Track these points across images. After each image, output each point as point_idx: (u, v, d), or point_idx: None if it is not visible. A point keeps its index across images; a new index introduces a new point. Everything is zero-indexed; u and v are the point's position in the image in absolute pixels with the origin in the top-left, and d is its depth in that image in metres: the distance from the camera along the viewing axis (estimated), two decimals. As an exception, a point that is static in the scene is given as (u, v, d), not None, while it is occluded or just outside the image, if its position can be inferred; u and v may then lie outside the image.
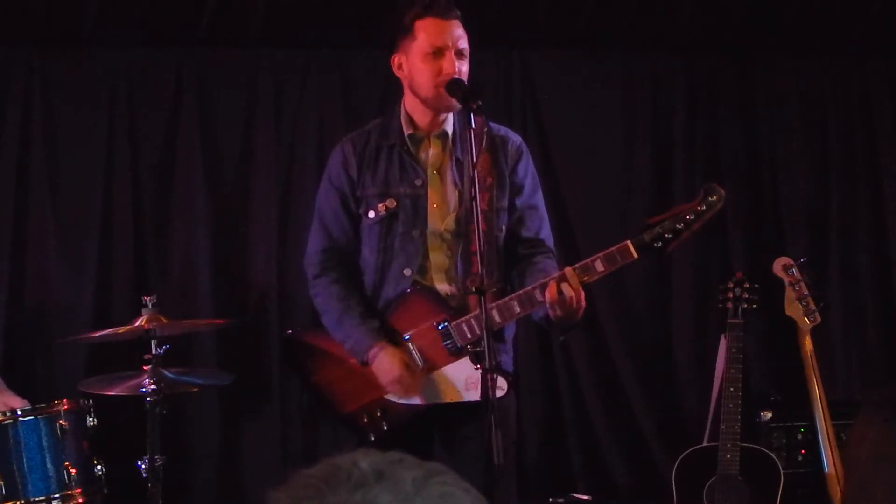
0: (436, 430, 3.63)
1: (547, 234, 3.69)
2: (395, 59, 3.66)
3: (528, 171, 3.69)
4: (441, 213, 3.58)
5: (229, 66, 5.17)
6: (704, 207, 3.36)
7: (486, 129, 3.50)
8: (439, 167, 3.62)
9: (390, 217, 3.60)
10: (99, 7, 4.83)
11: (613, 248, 3.37)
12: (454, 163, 3.61)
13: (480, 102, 3.46)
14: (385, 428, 3.58)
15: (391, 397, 3.58)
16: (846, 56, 5.62)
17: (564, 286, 3.32)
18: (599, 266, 3.35)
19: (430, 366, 3.55)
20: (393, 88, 5.27)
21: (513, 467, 3.61)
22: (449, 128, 3.63)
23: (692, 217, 3.35)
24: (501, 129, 3.73)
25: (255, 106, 5.15)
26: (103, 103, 5.01)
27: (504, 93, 5.36)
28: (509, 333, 3.67)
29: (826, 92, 5.61)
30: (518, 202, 3.64)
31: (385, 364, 3.54)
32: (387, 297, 3.60)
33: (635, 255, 3.34)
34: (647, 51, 5.50)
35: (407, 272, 3.57)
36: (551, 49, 5.39)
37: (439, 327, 3.51)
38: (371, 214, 3.62)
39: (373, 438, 3.59)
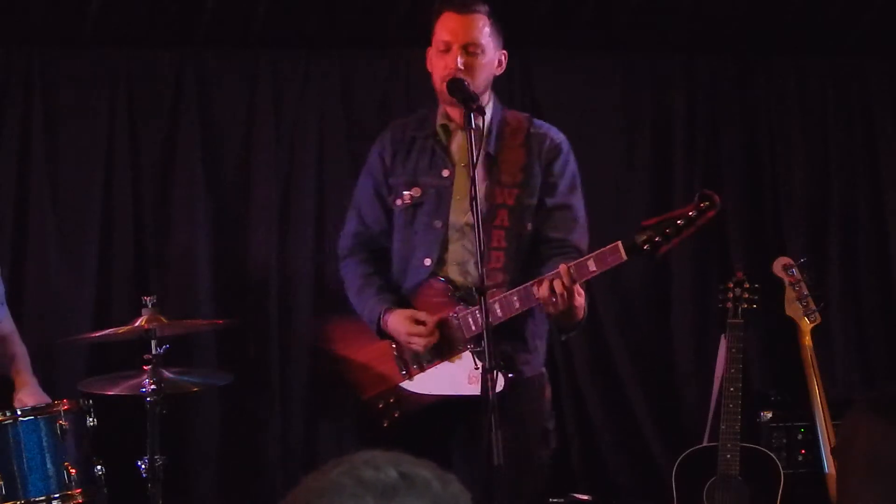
0: (455, 426, 3.61)
1: (579, 236, 3.62)
2: (427, 53, 3.67)
3: (564, 171, 3.65)
4: (462, 206, 3.55)
5: (229, 66, 5.17)
6: (696, 213, 3.31)
7: (530, 125, 3.58)
8: (467, 161, 3.61)
9: (414, 206, 3.64)
10: (99, 7, 4.83)
11: (605, 249, 3.36)
12: (484, 157, 3.60)
13: (480, 103, 3.47)
14: (396, 415, 3.59)
15: (406, 385, 3.60)
16: (846, 56, 5.62)
17: (556, 283, 3.31)
18: (591, 266, 3.34)
19: (441, 356, 3.55)
20: (393, 88, 5.29)
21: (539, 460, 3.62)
22: (482, 122, 3.63)
23: (683, 223, 3.31)
24: (543, 126, 3.71)
25: (255, 106, 5.15)
26: (103, 103, 5.00)
27: (504, 93, 5.35)
28: (535, 333, 3.63)
29: (826, 92, 5.60)
30: (549, 201, 3.61)
31: (396, 324, 3.57)
32: (407, 286, 3.64)
33: (624, 257, 3.32)
34: (647, 51, 5.50)
35: (427, 262, 3.59)
36: (551, 49, 5.38)
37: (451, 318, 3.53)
38: (398, 203, 3.67)
39: (385, 425, 3.61)
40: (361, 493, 1.16)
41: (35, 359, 4.79)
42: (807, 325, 4.39)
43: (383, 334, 3.63)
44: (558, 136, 3.71)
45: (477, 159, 3.33)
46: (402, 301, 3.64)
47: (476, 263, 3.47)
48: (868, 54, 5.62)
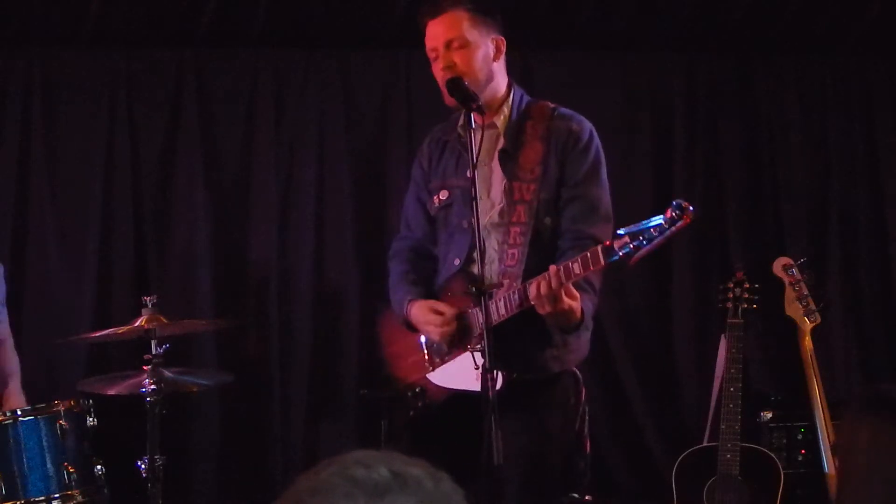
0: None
1: (598, 227, 3.53)
2: None
3: (583, 159, 3.58)
4: (485, 206, 3.53)
5: (229, 66, 5.17)
6: (668, 224, 3.26)
7: (553, 115, 3.55)
8: (486, 160, 3.60)
9: (445, 208, 3.66)
10: (99, 7, 4.83)
11: (587, 252, 3.33)
12: (501, 154, 3.59)
13: (480, 102, 3.46)
14: (419, 405, 3.61)
15: (431, 377, 3.61)
16: (846, 56, 5.63)
17: (543, 284, 3.31)
18: (576, 268, 3.32)
19: (458, 351, 3.56)
20: (393, 88, 5.29)
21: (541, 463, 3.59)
22: (500, 121, 3.62)
23: (656, 232, 3.28)
24: (566, 115, 3.63)
25: (255, 106, 5.15)
26: (103, 103, 5.01)
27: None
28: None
29: (826, 92, 5.61)
30: (565, 192, 3.56)
31: (417, 313, 3.60)
32: (438, 284, 3.66)
33: (602, 262, 3.29)
34: (647, 51, 5.50)
35: (456, 262, 3.60)
36: (551, 49, 5.38)
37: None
38: (432, 206, 3.70)
39: (411, 414, 3.64)
40: (353, 493, 1.16)
41: (35, 359, 4.80)
42: (807, 325, 4.38)
43: (409, 325, 3.65)
44: (580, 124, 3.62)
45: (477, 159, 3.33)
46: (433, 297, 3.65)
47: (500, 260, 3.48)
48: (868, 53, 5.62)
